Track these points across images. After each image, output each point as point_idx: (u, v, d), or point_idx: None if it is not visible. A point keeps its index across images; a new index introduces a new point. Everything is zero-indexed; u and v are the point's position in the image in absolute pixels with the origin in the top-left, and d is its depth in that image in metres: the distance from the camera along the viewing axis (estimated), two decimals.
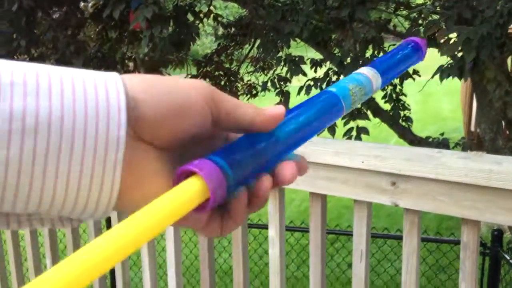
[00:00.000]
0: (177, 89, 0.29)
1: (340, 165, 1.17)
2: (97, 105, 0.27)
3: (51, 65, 0.28)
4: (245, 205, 0.32)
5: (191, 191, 0.27)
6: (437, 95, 10.66)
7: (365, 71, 0.38)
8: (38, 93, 0.26)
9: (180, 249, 1.51)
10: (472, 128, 6.74)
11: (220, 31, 5.83)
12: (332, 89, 0.36)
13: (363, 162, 1.14)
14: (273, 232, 1.35)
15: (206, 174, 0.27)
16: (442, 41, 2.68)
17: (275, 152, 0.31)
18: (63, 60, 3.91)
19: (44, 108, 0.25)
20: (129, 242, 0.23)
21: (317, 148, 1.20)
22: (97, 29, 4.64)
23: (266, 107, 0.32)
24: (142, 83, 0.29)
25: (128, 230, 0.23)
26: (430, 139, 3.68)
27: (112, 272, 2.81)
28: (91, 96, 0.27)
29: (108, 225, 2.54)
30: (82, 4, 4.36)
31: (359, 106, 3.47)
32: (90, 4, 4.43)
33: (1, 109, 0.25)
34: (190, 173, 0.28)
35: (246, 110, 0.31)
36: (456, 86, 7.84)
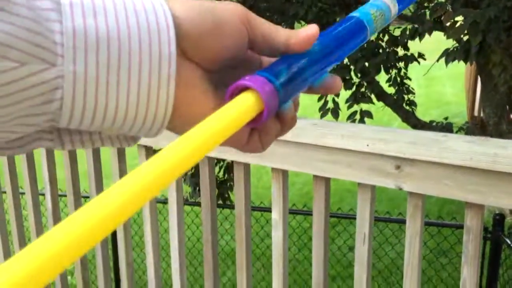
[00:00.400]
0: (216, 10, 0.31)
1: (344, 148, 1.17)
2: (148, 23, 0.28)
3: None
4: (292, 118, 0.34)
5: (247, 103, 0.28)
6: (440, 79, 10.59)
7: None
8: (95, 13, 0.27)
9: (183, 231, 1.52)
10: (476, 113, 6.71)
11: None
12: (356, 14, 0.37)
13: (368, 145, 1.14)
14: (276, 215, 1.36)
15: (260, 87, 0.29)
16: (448, 24, 2.65)
17: (312, 71, 0.33)
18: None
19: (102, 25, 0.27)
20: (193, 151, 0.24)
21: (321, 131, 1.19)
22: None
23: (299, 29, 0.33)
24: (182, 4, 0.30)
25: (191, 140, 0.24)
26: (434, 123, 3.67)
27: (115, 253, 2.83)
28: (141, 14, 0.28)
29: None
30: None
31: (361, 89, 3.44)
32: None
33: (65, 26, 0.26)
34: (242, 90, 0.29)
35: (281, 33, 0.33)
36: (459, 70, 7.79)
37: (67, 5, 0.27)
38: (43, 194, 1.70)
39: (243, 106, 0.28)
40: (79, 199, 1.67)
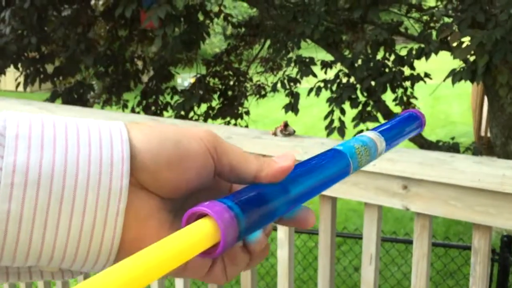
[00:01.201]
0: (181, 140, 0.29)
1: None
2: (101, 155, 0.27)
3: (56, 116, 0.28)
4: (262, 249, 0.32)
5: (201, 232, 0.25)
6: (446, 99, 10.59)
7: (369, 134, 0.39)
8: (42, 146, 0.26)
9: None
10: (483, 133, 6.69)
11: (230, 30, 5.83)
12: (339, 147, 0.36)
13: (374, 165, 1.14)
14: (282, 234, 1.35)
15: (217, 214, 0.26)
16: (454, 44, 2.66)
17: (282, 202, 0.31)
18: (73, 58, 3.93)
19: (48, 160, 0.25)
20: (130, 281, 0.21)
21: None
22: (108, 27, 4.65)
23: (273, 158, 0.31)
24: (145, 132, 0.29)
25: (129, 269, 0.22)
26: (441, 143, 3.65)
27: None
28: (95, 146, 0.27)
29: None
30: (93, 1, 4.38)
31: (367, 108, 3.44)
32: (100, 2, 4.45)
33: (6, 162, 0.25)
34: (199, 216, 0.27)
35: (250, 165, 0.30)
36: (466, 90, 7.79)
37: (13, 137, 0.25)
38: None
39: (197, 235, 0.25)
40: None
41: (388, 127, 0.41)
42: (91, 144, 0.27)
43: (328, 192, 1.22)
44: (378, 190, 1.16)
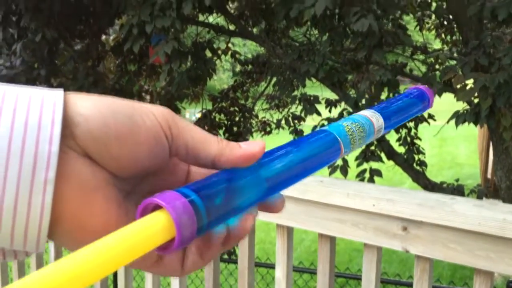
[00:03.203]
0: (133, 112, 0.27)
1: (350, 207, 1.15)
2: (26, 120, 0.24)
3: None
4: (222, 243, 0.29)
5: (154, 227, 0.23)
6: (454, 140, 10.57)
7: (362, 112, 0.36)
8: None
9: (185, 286, 1.48)
10: (489, 176, 6.64)
11: (238, 67, 5.92)
12: (325, 127, 0.33)
13: (374, 205, 1.12)
14: (280, 273, 1.32)
15: (172, 208, 0.23)
16: (458, 86, 2.68)
17: (256, 191, 0.28)
18: (81, 91, 3.97)
19: None
20: (73, 279, 0.20)
21: (328, 189, 1.18)
22: (117, 62, 4.74)
23: (238, 143, 0.29)
24: (95, 101, 0.27)
25: (73, 265, 0.20)
26: (445, 185, 3.63)
27: (115, 281, 2.76)
28: (21, 110, 0.24)
29: None
30: (104, 37, 4.47)
31: (370, 147, 3.44)
32: (111, 37, 4.54)
33: None
34: (156, 208, 0.24)
35: (210, 147, 0.28)
36: (473, 131, 7.78)
37: None
38: None
39: (150, 229, 0.23)
40: None
41: (387, 105, 0.38)
42: (16, 109, 0.24)
43: (326, 231, 1.21)
44: (378, 230, 1.14)
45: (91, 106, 0.26)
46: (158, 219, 0.23)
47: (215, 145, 0.28)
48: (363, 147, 3.46)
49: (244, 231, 0.28)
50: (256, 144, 0.28)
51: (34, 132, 0.24)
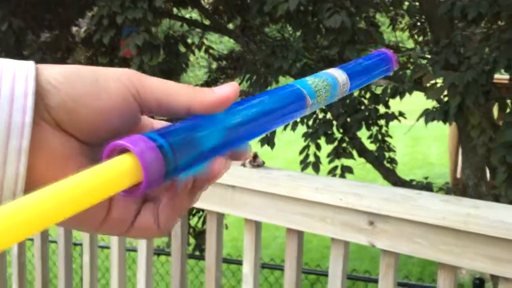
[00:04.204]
0: (97, 76, 0.27)
1: (318, 201, 1.15)
2: None
3: None
4: (188, 191, 0.29)
5: (120, 168, 0.23)
6: (425, 140, 10.75)
7: (325, 70, 0.37)
8: None
9: (151, 282, 1.46)
10: (458, 175, 6.77)
11: (214, 64, 5.88)
12: (290, 83, 0.34)
13: (341, 199, 1.12)
14: (247, 269, 1.31)
15: (138, 149, 0.23)
16: (428, 85, 2.71)
17: (222, 137, 0.28)
18: None
19: None
20: (34, 218, 0.19)
21: (296, 183, 1.17)
22: (88, 54, 4.65)
23: (211, 88, 0.29)
24: (60, 70, 0.27)
25: (33, 204, 0.19)
26: (414, 183, 3.67)
27: None
28: None
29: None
30: (74, 29, 4.38)
31: (342, 144, 3.47)
32: (82, 29, 4.45)
33: None
34: (121, 152, 0.24)
35: (181, 97, 0.28)
36: (444, 131, 7.92)
37: None
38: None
39: (115, 171, 0.22)
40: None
41: (351, 65, 0.39)
42: None
43: (294, 225, 1.20)
44: (345, 225, 1.14)
45: (57, 75, 0.27)
46: (125, 161, 0.23)
47: (186, 93, 0.28)
48: (335, 143, 3.48)
49: (213, 172, 0.28)
50: (228, 87, 0.29)
51: (7, 103, 0.25)
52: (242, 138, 0.29)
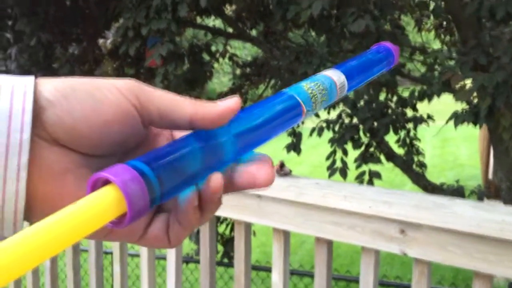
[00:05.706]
0: (96, 90, 0.27)
1: (347, 209, 1.13)
2: None
3: None
4: (194, 208, 0.28)
5: (104, 202, 0.22)
6: (455, 141, 10.53)
7: (322, 72, 0.36)
8: None
9: None
10: (490, 176, 6.60)
11: (238, 71, 5.90)
12: (283, 90, 0.33)
13: (370, 207, 1.10)
14: (276, 277, 1.30)
15: (120, 181, 0.23)
16: (457, 86, 2.65)
17: (224, 152, 0.28)
18: None
19: None
20: (16, 260, 0.19)
21: (324, 191, 1.16)
22: (114, 66, 4.72)
23: (213, 101, 0.28)
24: (57, 84, 0.26)
25: (16, 246, 0.19)
26: (445, 186, 3.60)
27: None
28: None
29: None
30: (101, 41, 4.46)
31: (369, 148, 3.41)
32: (109, 41, 4.53)
33: None
34: (106, 182, 0.24)
35: (183, 109, 0.27)
36: (474, 132, 7.75)
37: None
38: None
39: (99, 204, 0.22)
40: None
41: (348, 62, 0.38)
42: None
43: (323, 234, 1.18)
44: (375, 233, 1.12)
45: (52, 89, 0.26)
46: (108, 193, 0.23)
47: (189, 106, 0.28)
48: (362, 148, 3.44)
49: (211, 189, 0.27)
50: (231, 100, 0.28)
51: (5, 122, 0.25)
52: (235, 155, 0.29)
